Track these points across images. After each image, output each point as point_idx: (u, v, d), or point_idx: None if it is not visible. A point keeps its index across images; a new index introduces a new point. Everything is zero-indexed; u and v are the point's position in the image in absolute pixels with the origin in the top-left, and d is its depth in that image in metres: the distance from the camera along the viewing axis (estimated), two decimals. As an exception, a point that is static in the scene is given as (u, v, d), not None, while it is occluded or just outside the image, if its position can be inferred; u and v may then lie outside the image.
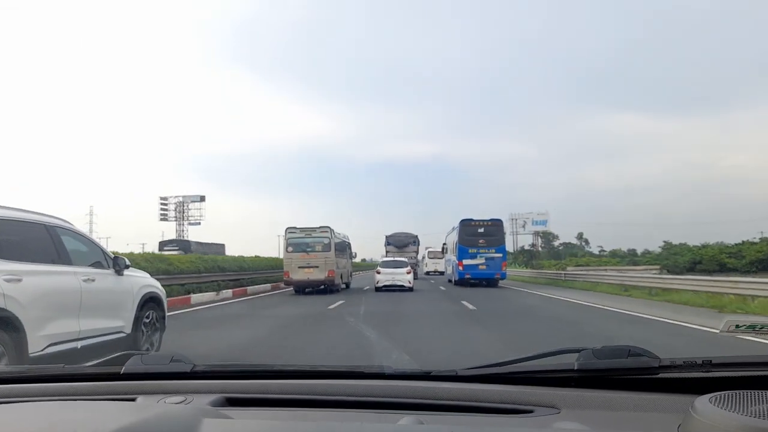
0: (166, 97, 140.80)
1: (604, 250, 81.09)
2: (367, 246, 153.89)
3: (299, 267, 19.09)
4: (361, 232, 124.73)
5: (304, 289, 19.37)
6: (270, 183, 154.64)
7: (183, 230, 68.18)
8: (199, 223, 67.84)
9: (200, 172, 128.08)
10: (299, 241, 19.68)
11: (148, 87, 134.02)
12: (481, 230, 23.80)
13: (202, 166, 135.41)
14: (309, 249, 19.57)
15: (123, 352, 1.55)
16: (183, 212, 66.40)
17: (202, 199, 66.51)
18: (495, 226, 23.96)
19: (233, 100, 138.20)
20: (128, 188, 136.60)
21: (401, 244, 35.65)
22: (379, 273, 21.07)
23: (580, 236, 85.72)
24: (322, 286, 18.97)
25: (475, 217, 23.97)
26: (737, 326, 1.28)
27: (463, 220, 24.14)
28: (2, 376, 1.46)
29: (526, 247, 79.38)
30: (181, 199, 66.28)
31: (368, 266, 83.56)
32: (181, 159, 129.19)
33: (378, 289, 20.23)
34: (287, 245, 19.87)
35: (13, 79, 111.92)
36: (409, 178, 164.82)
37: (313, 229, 19.80)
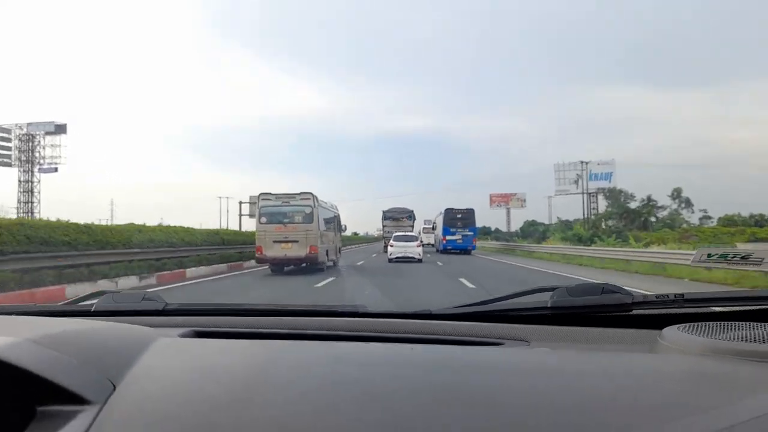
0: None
1: (709, 216, 52.20)
2: (361, 218, 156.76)
3: (275, 241, 16.64)
4: (354, 204, 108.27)
5: (282, 267, 17.32)
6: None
7: (32, 180, 42.40)
8: (56, 169, 42.16)
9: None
10: (274, 210, 17.08)
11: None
12: (459, 216, 34.02)
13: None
14: (286, 220, 17.02)
15: (96, 291, 1.58)
16: (31, 150, 40.92)
17: (60, 129, 40.96)
18: (469, 213, 34.52)
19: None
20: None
21: (398, 218, 39.25)
22: (392, 246, 24.02)
23: (676, 194, 54.07)
24: (303, 264, 17.00)
25: (455, 207, 34.80)
26: (709, 255, 1.50)
27: (446, 209, 34.70)
28: None
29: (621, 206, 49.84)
30: (25, 129, 40.77)
31: (360, 240, 77.05)
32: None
33: (390, 260, 22.99)
34: (260, 215, 17.19)
35: None
36: (405, 150, 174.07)
37: (292, 196, 17.21)
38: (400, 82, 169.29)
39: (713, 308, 1.20)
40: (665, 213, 50.51)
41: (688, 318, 1.10)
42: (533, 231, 67.87)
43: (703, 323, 0.99)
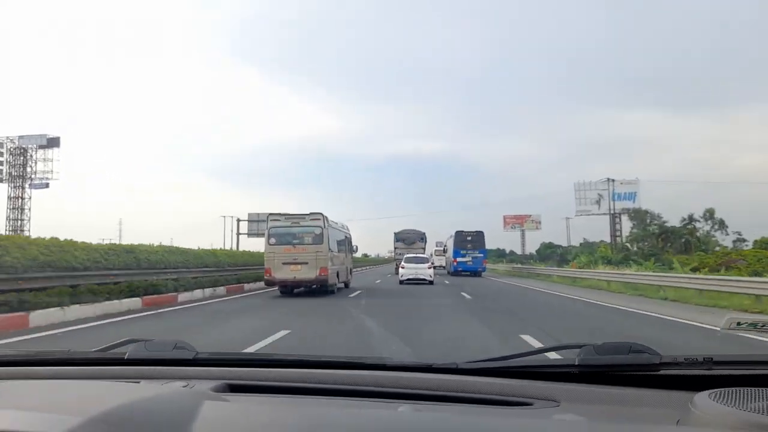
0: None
1: (744, 239, 48.32)
2: (372, 239, 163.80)
3: (284, 263, 16.13)
4: (365, 224, 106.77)
5: (291, 290, 16.94)
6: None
7: (22, 197, 40.23)
8: (47, 185, 40.01)
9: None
10: (284, 231, 16.59)
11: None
12: (469, 238, 34.71)
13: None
14: (296, 241, 16.49)
15: (127, 339, 1.58)
16: (23, 165, 38.90)
17: (53, 142, 38.93)
18: (479, 235, 35.12)
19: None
20: None
21: (410, 240, 39.85)
22: (403, 268, 24.26)
23: (708, 215, 49.56)
24: (314, 286, 16.62)
25: (466, 229, 35.35)
26: (738, 324, 1.31)
27: (456, 232, 35.34)
28: (9, 359, 1.57)
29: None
30: (16, 142, 38.74)
31: (370, 262, 74.37)
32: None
33: (401, 282, 23.18)
34: (269, 236, 16.68)
35: None
36: (416, 173, 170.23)
37: (302, 217, 16.71)
38: (413, 101, 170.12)
39: (743, 371, 1.21)
40: (697, 235, 47.09)
41: (718, 380, 1.10)
42: (551, 254, 64.72)
43: (735, 389, 0.98)
